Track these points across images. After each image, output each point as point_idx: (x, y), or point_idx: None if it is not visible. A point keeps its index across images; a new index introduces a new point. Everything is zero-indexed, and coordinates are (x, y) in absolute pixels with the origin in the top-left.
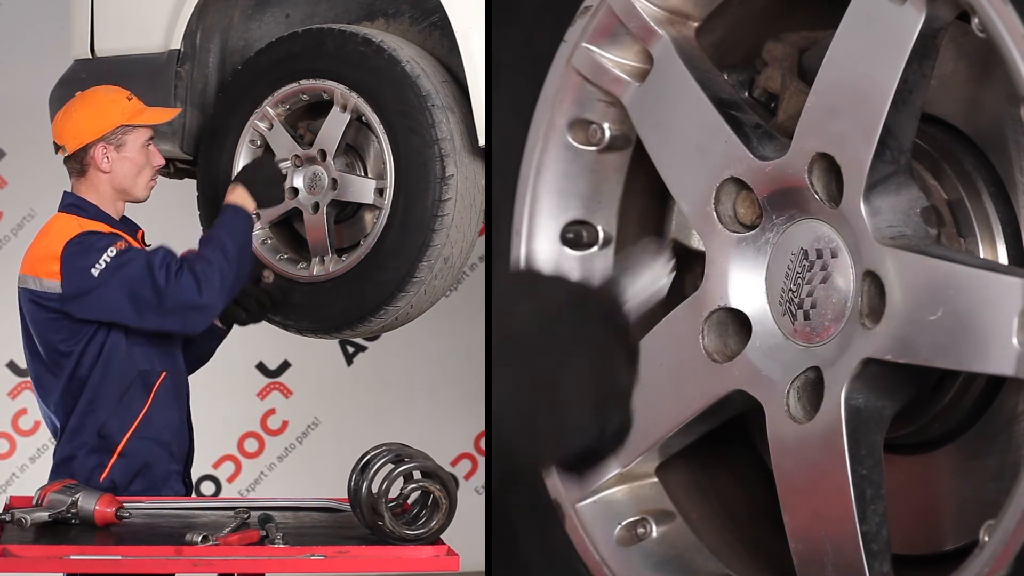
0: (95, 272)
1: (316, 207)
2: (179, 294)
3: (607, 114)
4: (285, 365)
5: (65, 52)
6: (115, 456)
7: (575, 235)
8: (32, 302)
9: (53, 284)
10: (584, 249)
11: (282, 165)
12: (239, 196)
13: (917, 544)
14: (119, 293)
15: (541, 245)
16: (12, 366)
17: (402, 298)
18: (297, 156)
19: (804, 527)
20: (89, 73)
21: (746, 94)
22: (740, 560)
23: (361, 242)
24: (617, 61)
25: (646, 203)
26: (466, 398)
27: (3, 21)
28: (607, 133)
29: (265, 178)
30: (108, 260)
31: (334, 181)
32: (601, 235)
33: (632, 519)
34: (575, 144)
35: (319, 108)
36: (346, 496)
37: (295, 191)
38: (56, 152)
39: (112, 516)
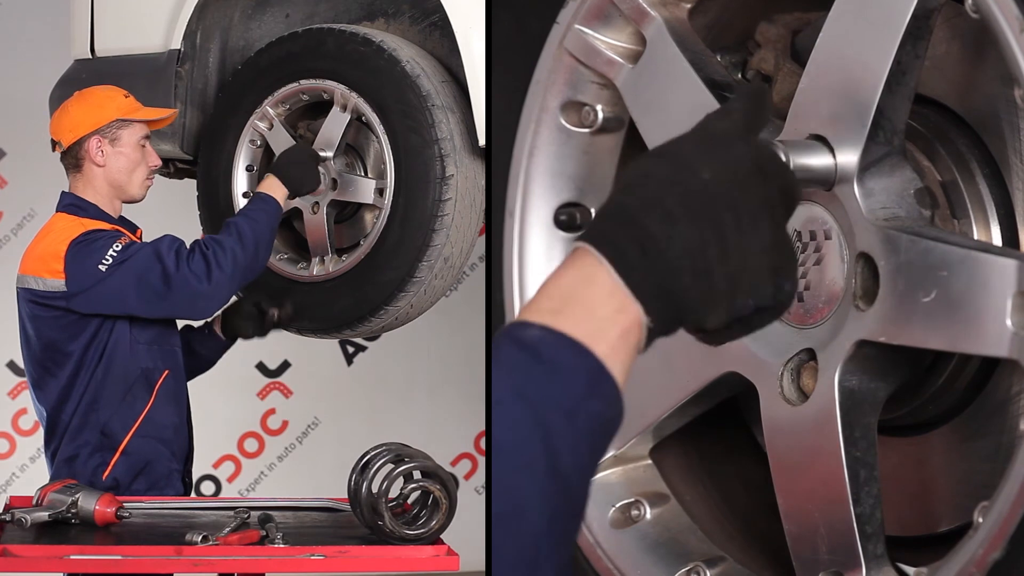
0: (102, 268)
1: (316, 207)
2: (188, 279)
3: (600, 96)
4: (285, 365)
5: (65, 52)
6: (118, 454)
7: (568, 217)
8: (32, 302)
9: (56, 283)
10: (577, 231)
11: (322, 153)
12: (268, 184)
13: (911, 526)
14: (126, 282)
15: (534, 227)
16: (12, 366)
17: (402, 298)
18: None
19: (798, 509)
20: (89, 73)
21: (739, 76)
22: (734, 542)
23: (361, 242)
24: (610, 43)
25: None
26: (466, 398)
27: (3, 21)
28: (600, 115)
29: (298, 163)
30: (114, 255)
31: (334, 181)
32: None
33: (626, 501)
34: (568, 126)
35: (319, 108)
36: (346, 496)
37: None
38: (53, 149)
39: (112, 516)
